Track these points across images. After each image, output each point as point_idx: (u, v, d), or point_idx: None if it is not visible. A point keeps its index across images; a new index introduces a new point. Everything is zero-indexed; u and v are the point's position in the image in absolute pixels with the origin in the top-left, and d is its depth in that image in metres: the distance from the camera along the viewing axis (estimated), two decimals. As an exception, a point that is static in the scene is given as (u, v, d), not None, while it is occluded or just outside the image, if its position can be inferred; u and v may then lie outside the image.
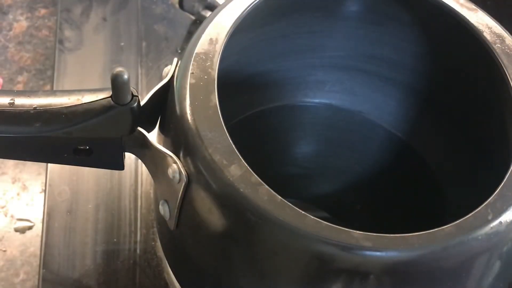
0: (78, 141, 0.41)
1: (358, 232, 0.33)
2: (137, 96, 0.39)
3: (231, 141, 0.35)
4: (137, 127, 0.40)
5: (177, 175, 0.37)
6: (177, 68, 0.40)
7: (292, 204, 0.34)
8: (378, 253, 0.33)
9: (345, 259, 0.33)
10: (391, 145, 0.54)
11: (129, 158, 0.44)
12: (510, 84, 0.40)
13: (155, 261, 0.51)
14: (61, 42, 0.63)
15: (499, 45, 0.41)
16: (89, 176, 0.55)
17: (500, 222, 0.34)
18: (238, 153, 0.35)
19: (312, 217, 0.33)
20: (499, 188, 0.35)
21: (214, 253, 0.38)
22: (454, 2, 0.43)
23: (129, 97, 0.39)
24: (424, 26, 0.47)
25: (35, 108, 0.39)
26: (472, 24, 0.42)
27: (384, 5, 0.47)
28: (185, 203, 0.38)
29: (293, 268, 0.35)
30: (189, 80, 0.38)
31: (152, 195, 0.54)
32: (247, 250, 0.36)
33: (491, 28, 0.42)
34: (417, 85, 0.50)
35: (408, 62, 0.50)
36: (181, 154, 0.37)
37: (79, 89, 0.40)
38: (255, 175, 0.34)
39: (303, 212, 0.33)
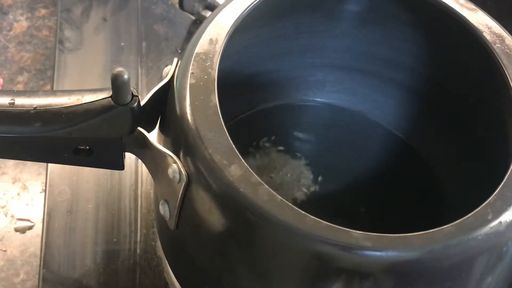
0: (78, 141, 0.41)
1: (358, 232, 0.33)
2: (137, 96, 0.39)
3: (231, 141, 0.35)
4: (137, 127, 0.40)
5: (177, 175, 0.37)
6: (177, 68, 0.40)
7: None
8: (378, 253, 0.33)
9: (345, 259, 0.33)
10: (391, 145, 0.54)
11: (129, 158, 0.44)
12: (510, 84, 0.40)
13: (155, 261, 0.51)
14: (61, 42, 0.63)
15: (499, 45, 0.41)
16: (89, 176, 0.55)
17: (500, 222, 0.34)
18: (238, 153, 0.35)
19: (312, 217, 0.33)
20: (499, 188, 0.35)
21: (214, 253, 0.38)
22: (454, 2, 0.43)
23: (129, 97, 0.39)
24: (424, 26, 0.47)
25: (35, 108, 0.39)
26: (472, 24, 0.42)
27: (384, 5, 0.47)
28: (185, 203, 0.38)
29: (293, 268, 0.35)
30: (189, 80, 0.38)
31: (152, 195, 0.54)
32: (247, 250, 0.36)
33: (491, 28, 0.42)
34: (417, 85, 0.50)
35: (408, 62, 0.50)
36: (181, 154, 0.37)
37: (79, 89, 0.40)
38: (255, 175, 0.34)
39: (303, 212, 0.33)
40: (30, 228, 0.53)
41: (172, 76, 0.40)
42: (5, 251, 0.52)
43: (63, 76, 0.61)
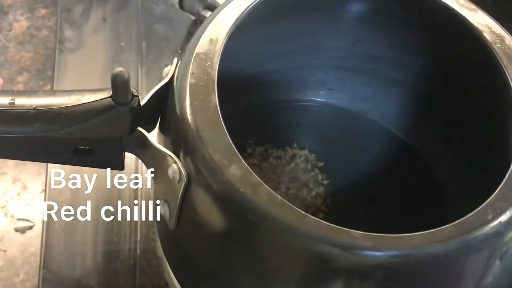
0: (78, 141, 0.41)
1: (358, 232, 0.33)
2: (137, 96, 0.39)
3: (231, 141, 0.35)
4: (137, 127, 0.40)
5: (177, 175, 0.37)
6: (177, 68, 0.40)
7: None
8: (378, 253, 0.33)
9: (345, 259, 0.33)
10: (391, 145, 0.54)
11: (129, 158, 0.44)
12: (510, 85, 0.40)
13: (155, 261, 0.51)
14: (61, 42, 0.63)
15: (499, 45, 0.41)
16: (89, 176, 0.55)
17: (500, 222, 0.34)
18: (238, 153, 0.35)
19: (312, 217, 0.33)
20: (499, 188, 0.35)
21: (214, 253, 0.38)
22: (454, 2, 0.43)
23: (129, 97, 0.39)
24: (424, 26, 0.47)
25: (35, 108, 0.39)
26: (472, 24, 0.42)
27: (384, 5, 0.47)
28: (185, 203, 0.38)
29: (293, 268, 0.35)
30: (189, 80, 0.38)
31: (152, 195, 0.54)
32: (247, 250, 0.36)
33: (491, 28, 0.42)
34: (417, 85, 0.50)
35: (408, 62, 0.50)
36: (181, 154, 0.37)
37: (79, 89, 0.40)
38: (255, 175, 0.34)
39: (303, 212, 0.33)
40: (30, 228, 0.53)
41: (172, 76, 0.40)
42: (5, 251, 0.52)
43: (63, 76, 0.61)
